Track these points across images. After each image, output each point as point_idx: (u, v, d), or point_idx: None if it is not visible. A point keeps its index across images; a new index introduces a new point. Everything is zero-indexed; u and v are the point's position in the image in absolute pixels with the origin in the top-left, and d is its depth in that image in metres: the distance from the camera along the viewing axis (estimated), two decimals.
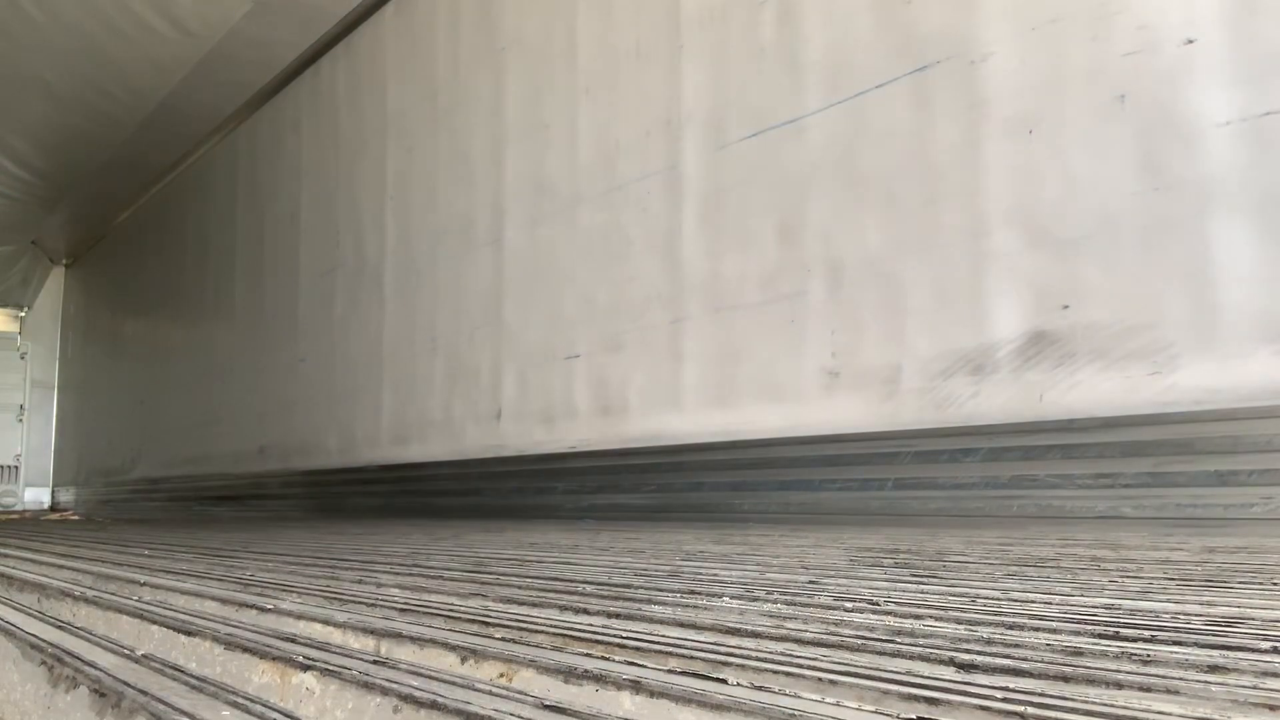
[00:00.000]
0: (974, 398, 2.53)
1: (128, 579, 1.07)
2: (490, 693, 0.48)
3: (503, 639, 0.60)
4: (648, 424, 3.46)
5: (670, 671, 0.49)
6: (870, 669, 0.47)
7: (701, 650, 0.53)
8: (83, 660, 0.63)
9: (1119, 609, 0.67)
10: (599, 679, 0.46)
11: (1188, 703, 0.39)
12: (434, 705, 0.44)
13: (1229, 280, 2.11)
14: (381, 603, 0.78)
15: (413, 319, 4.79)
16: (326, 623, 0.70)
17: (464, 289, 4.41)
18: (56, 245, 10.58)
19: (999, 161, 2.52)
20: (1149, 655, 0.48)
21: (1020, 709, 0.38)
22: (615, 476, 3.54)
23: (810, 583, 0.88)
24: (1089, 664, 0.47)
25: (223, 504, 6.64)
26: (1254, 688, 0.41)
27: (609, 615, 0.68)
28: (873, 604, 0.71)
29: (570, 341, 3.80)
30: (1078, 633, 0.57)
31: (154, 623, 0.75)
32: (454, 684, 0.50)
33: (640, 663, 0.52)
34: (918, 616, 0.64)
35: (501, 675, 0.52)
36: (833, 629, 0.60)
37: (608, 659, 0.53)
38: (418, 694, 0.46)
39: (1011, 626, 0.59)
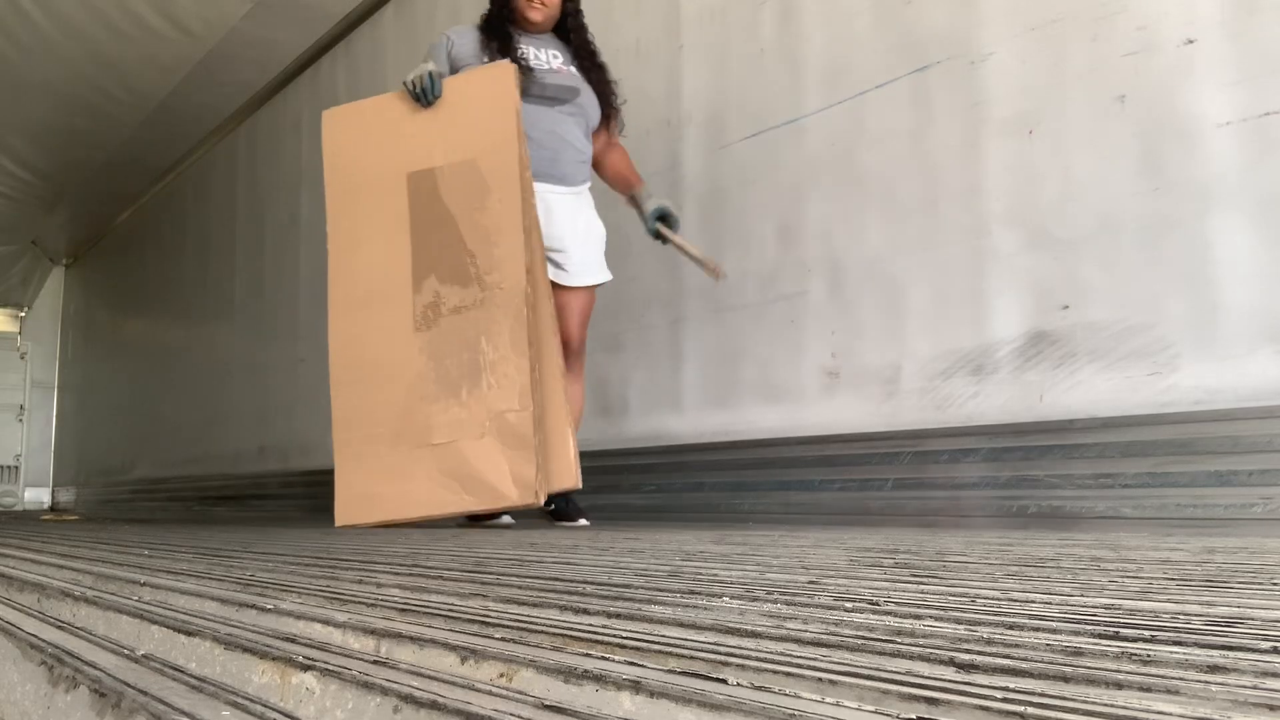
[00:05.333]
0: (974, 398, 2.53)
1: (128, 579, 1.07)
2: (490, 693, 0.48)
3: (503, 639, 0.60)
4: (648, 424, 3.46)
5: (670, 671, 0.49)
6: (870, 669, 0.47)
7: (701, 650, 0.53)
8: (83, 660, 0.63)
9: (1119, 609, 0.67)
10: (599, 679, 0.46)
11: (1188, 703, 0.39)
12: (434, 705, 0.44)
13: (1229, 280, 2.11)
14: (381, 603, 0.78)
15: None
16: (326, 623, 0.70)
17: None
18: (56, 245, 10.58)
19: (999, 161, 2.52)
20: (1149, 655, 0.48)
21: (1020, 709, 0.38)
22: (615, 476, 3.54)
23: (810, 583, 0.88)
24: (1089, 664, 0.47)
25: (223, 504, 6.64)
26: (1254, 688, 0.41)
27: (609, 615, 0.68)
28: (873, 604, 0.71)
29: None
30: (1078, 633, 0.57)
31: (154, 623, 0.75)
32: (454, 684, 0.50)
33: (640, 663, 0.52)
34: (918, 616, 0.64)
35: (501, 675, 0.52)
36: (833, 629, 0.60)
37: (608, 659, 0.53)
38: (418, 694, 0.46)
39: (1011, 626, 0.59)
